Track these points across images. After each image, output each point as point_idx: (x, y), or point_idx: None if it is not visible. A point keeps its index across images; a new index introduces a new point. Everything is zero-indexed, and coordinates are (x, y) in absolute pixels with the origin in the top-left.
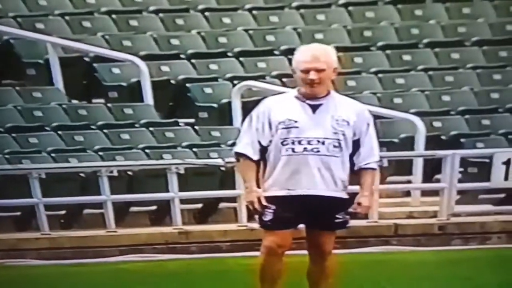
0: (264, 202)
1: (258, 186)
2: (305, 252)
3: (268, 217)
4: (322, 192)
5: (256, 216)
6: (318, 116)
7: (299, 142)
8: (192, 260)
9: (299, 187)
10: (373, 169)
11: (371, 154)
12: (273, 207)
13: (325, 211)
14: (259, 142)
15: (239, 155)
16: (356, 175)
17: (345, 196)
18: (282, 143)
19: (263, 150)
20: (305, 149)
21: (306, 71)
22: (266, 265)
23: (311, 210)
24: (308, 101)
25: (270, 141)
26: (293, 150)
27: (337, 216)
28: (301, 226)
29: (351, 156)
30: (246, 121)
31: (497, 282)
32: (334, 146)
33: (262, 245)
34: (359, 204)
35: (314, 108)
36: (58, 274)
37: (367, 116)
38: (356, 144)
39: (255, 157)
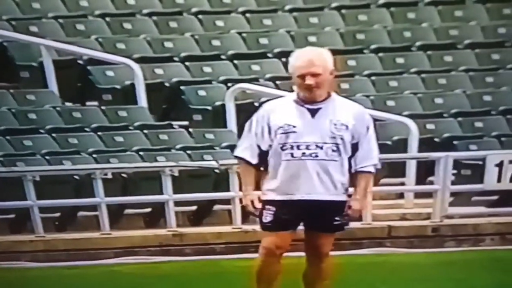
0: (257, 205)
1: (259, 189)
2: (300, 254)
3: (268, 218)
4: (321, 197)
5: (257, 218)
6: (316, 120)
7: (298, 147)
8: (187, 262)
9: (298, 192)
10: (369, 172)
11: (368, 157)
12: (273, 208)
13: (325, 214)
14: (259, 146)
15: (238, 159)
16: (352, 177)
17: (345, 198)
18: (281, 148)
19: (263, 154)
20: (303, 154)
21: (302, 76)
22: (263, 266)
23: (311, 213)
24: (307, 105)
25: (270, 146)
26: (291, 155)
27: (336, 218)
28: (300, 228)
29: (350, 159)
30: (246, 125)
31: (491, 284)
32: (333, 150)
33: (261, 246)
34: (349, 207)
35: (313, 112)
36: (53, 276)
37: (367, 119)
38: (355, 147)
39: (254, 161)
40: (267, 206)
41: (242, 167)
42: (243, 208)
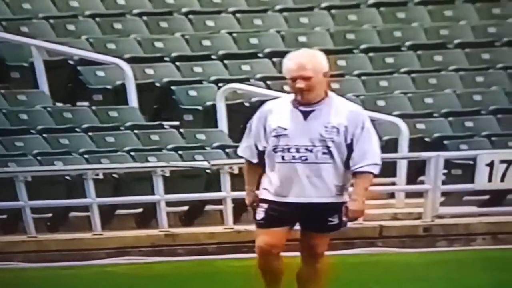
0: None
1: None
2: (295, 253)
3: (260, 215)
4: (312, 200)
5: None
6: (308, 123)
7: (288, 150)
8: (180, 263)
9: (290, 194)
10: (368, 172)
11: (365, 158)
12: (266, 206)
13: (318, 215)
14: (256, 146)
15: (242, 157)
16: (353, 178)
17: (340, 200)
18: (273, 150)
19: (262, 153)
20: (293, 157)
21: (294, 79)
22: (261, 265)
23: (304, 214)
24: (301, 107)
25: (265, 147)
26: (282, 158)
27: (330, 219)
28: (296, 227)
29: (348, 160)
30: (248, 124)
31: (483, 283)
32: (324, 153)
33: (255, 246)
34: (346, 208)
35: (306, 114)
36: (45, 277)
37: (361, 120)
38: (350, 148)
39: (254, 160)
40: (261, 204)
41: (245, 166)
42: (235, 208)
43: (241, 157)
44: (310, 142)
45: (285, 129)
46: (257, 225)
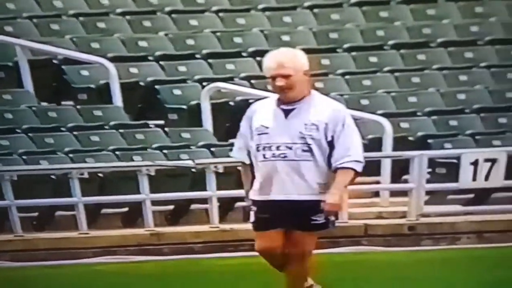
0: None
1: None
2: None
3: (252, 218)
4: (292, 197)
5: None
6: (289, 121)
7: (269, 148)
8: (167, 262)
9: (272, 192)
10: (348, 168)
11: (345, 155)
12: (255, 208)
13: (299, 213)
14: (246, 147)
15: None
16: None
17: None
18: (257, 149)
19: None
20: (273, 155)
21: (273, 78)
22: (268, 262)
23: (287, 213)
24: (282, 106)
25: (251, 147)
26: (264, 156)
27: (314, 218)
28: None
29: (330, 158)
30: (240, 125)
31: (468, 282)
32: (303, 150)
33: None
34: (323, 202)
35: (287, 112)
36: (33, 275)
37: (342, 117)
38: (331, 146)
39: (247, 161)
40: (251, 206)
41: (242, 167)
42: (221, 207)
43: (229, 157)
44: (290, 139)
45: (267, 127)
46: (252, 228)
